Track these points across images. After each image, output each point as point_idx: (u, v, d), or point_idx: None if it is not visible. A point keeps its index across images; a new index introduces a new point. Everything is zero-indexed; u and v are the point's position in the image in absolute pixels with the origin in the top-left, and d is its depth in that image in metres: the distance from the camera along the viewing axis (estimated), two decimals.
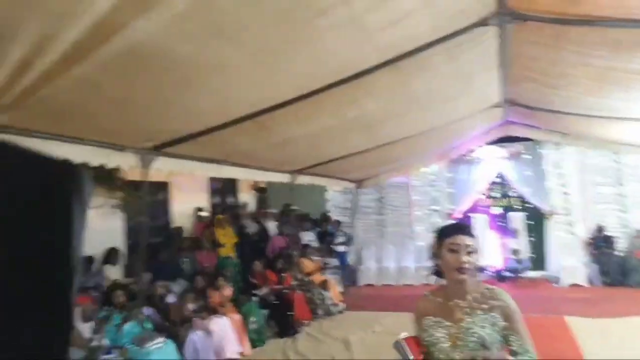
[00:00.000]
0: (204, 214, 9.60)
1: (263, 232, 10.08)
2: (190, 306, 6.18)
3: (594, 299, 8.64)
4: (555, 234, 10.69)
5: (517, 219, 11.09)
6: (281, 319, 7.49)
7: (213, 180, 10.23)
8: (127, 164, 4.72)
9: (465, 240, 2.00)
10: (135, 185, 6.83)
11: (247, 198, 11.74)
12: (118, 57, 2.65)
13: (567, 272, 10.13)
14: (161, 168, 5.13)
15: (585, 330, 6.66)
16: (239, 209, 10.76)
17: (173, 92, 3.55)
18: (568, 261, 10.22)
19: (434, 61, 4.42)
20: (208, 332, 5.91)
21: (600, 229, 10.24)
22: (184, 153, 5.19)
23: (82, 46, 2.39)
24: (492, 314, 1.95)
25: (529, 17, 3.70)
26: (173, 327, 5.79)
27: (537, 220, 11.02)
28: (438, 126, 7.10)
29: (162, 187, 8.95)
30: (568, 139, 8.87)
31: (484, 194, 11.53)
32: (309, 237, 10.52)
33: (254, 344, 6.75)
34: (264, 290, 7.77)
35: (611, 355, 5.62)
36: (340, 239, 11.05)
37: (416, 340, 2.07)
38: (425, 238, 11.02)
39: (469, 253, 1.98)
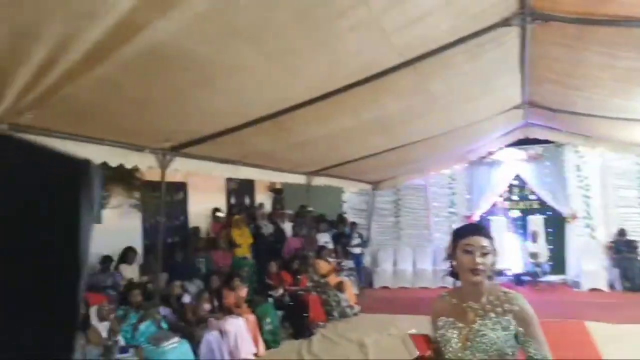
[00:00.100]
0: (221, 214, 9.64)
1: (279, 233, 10.08)
2: (206, 306, 6.20)
3: (614, 304, 8.46)
4: (575, 238, 10.50)
5: (537, 222, 10.91)
6: (296, 321, 7.47)
7: (230, 180, 10.26)
8: (145, 164, 4.76)
9: (480, 241, 1.96)
10: (153, 186, 6.88)
11: (263, 199, 11.76)
12: (139, 57, 2.66)
13: (588, 276, 9.93)
14: (179, 168, 5.16)
15: (605, 335, 6.51)
16: (255, 209, 10.79)
17: (192, 93, 3.56)
18: (589, 265, 10.03)
19: (454, 61, 4.37)
20: (223, 333, 5.92)
21: (621, 233, 10.03)
22: (202, 154, 5.20)
23: (104, 46, 2.40)
24: (506, 317, 1.91)
25: (552, 17, 3.63)
26: (188, 327, 5.81)
27: (557, 224, 10.83)
28: (458, 127, 7.02)
29: (180, 187, 9.01)
30: (590, 142, 8.72)
31: (502, 197, 11.39)
32: (324, 239, 10.48)
33: (269, 345, 6.74)
34: (279, 292, 7.76)
35: None
36: (356, 241, 10.99)
37: (425, 338, 2.07)
38: (442, 240, 10.91)
39: (483, 254, 1.94)
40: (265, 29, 2.91)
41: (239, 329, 6.17)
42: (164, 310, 5.72)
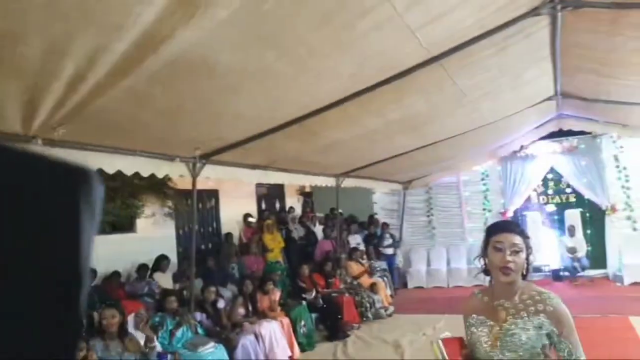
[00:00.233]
0: (252, 219, 9.72)
1: (310, 236, 10.10)
2: (241, 311, 6.24)
3: None
4: (615, 231, 10.13)
5: (574, 216, 10.58)
6: (330, 323, 7.45)
7: (259, 186, 10.34)
8: (176, 173, 4.83)
9: (511, 238, 1.90)
10: (185, 194, 6.99)
11: (293, 202, 11.80)
12: (165, 67, 2.70)
13: (630, 270, 9.56)
14: (209, 176, 5.22)
15: None
16: (286, 213, 10.83)
17: (219, 100, 3.59)
18: (630, 259, 9.65)
19: (481, 56, 4.28)
20: (258, 337, 5.95)
21: None
22: (232, 160, 5.25)
23: (131, 58, 2.44)
24: (539, 317, 1.86)
25: (583, 3, 3.51)
26: (224, 331, 5.86)
27: (595, 217, 10.48)
28: (488, 123, 6.88)
29: (211, 195, 9.13)
30: (627, 131, 8.41)
31: (537, 191, 11.11)
32: (356, 240, 10.44)
33: (304, 347, 6.74)
34: (312, 294, 7.76)
35: None
36: (388, 242, 10.90)
37: (458, 342, 2.02)
38: (476, 239, 10.71)
39: (514, 252, 1.88)
40: (288, 33, 2.91)
41: (274, 332, 6.20)
42: (199, 316, 5.79)
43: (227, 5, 2.33)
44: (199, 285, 6.39)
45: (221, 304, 6.33)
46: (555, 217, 10.89)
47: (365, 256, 9.82)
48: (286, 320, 6.62)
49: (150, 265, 6.85)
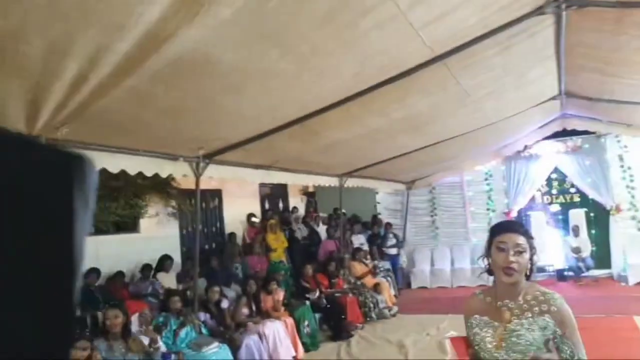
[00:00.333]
0: (255, 219, 9.72)
1: (313, 236, 10.09)
2: (244, 311, 6.24)
3: None
4: (620, 231, 10.07)
5: (578, 216, 10.53)
6: (334, 323, 7.44)
7: (263, 185, 10.34)
8: (180, 172, 4.84)
9: (515, 238, 1.89)
10: (188, 194, 6.99)
11: (296, 202, 11.79)
12: (168, 67, 2.70)
13: (634, 270, 9.51)
14: (213, 176, 5.21)
15: None
16: (289, 213, 10.82)
17: (222, 100, 3.59)
18: (635, 259, 9.60)
19: (485, 55, 4.26)
20: (262, 336, 5.95)
21: None
22: (235, 160, 5.25)
23: (133, 57, 2.44)
24: (543, 318, 1.85)
25: (588, 2, 3.50)
26: (228, 331, 5.86)
27: (599, 217, 10.42)
28: (491, 122, 6.86)
29: (215, 194, 9.14)
30: (632, 130, 8.37)
31: (541, 191, 11.07)
32: (359, 240, 10.43)
33: (308, 347, 6.73)
34: (316, 294, 7.75)
35: None
36: (392, 242, 10.89)
37: (465, 341, 2.03)
38: (480, 239, 10.67)
39: (518, 252, 1.87)
40: (291, 32, 2.90)
41: (278, 332, 6.19)
42: (203, 316, 5.80)
43: (230, 4, 2.33)
44: (202, 285, 6.39)
45: (225, 304, 6.32)
46: (560, 217, 10.85)
47: (368, 256, 9.80)
48: (290, 320, 6.61)
49: (154, 265, 6.85)
